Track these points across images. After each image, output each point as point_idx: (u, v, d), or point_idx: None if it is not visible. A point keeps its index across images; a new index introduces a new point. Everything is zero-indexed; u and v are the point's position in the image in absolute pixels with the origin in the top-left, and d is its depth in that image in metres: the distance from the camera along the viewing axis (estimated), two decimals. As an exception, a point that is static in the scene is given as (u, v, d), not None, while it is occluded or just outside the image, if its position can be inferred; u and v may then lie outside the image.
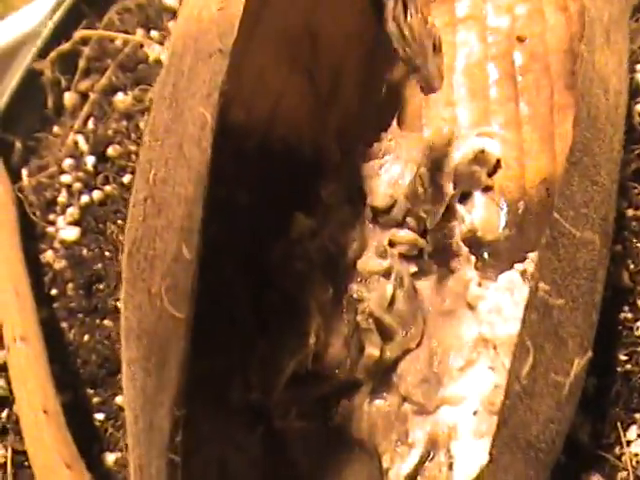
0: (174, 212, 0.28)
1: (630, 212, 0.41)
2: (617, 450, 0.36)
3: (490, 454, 0.26)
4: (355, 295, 0.38)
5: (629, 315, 0.38)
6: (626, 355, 0.37)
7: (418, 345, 0.38)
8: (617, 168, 0.32)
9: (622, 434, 0.36)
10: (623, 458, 0.36)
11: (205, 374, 0.37)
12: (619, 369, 0.37)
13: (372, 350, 0.37)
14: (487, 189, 0.40)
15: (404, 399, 0.37)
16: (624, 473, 0.35)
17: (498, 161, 0.40)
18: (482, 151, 0.40)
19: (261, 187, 0.40)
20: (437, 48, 0.33)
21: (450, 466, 0.35)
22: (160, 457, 0.27)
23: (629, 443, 0.36)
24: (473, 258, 0.39)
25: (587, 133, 0.29)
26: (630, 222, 0.41)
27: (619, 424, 0.36)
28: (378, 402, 0.38)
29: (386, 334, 0.38)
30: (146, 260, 0.29)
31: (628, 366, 0.37)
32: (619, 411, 0.37)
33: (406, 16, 0.30)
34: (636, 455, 0.35)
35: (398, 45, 0.31)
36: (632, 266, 0.39)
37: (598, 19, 0.30)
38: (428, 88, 0.33)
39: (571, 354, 0.29)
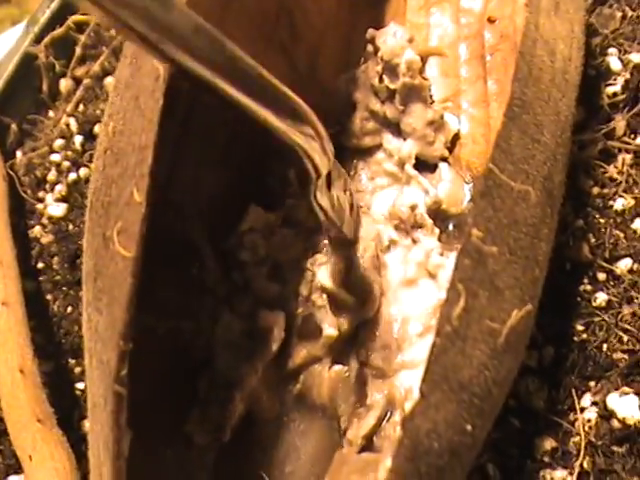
0: (128, 160, 0.29)
1: (595, 190, 0.42)
2: (571, 416, 0.36)
3: (420, 391, 0.27)
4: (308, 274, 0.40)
5: (588, 287, 0.39)
6: (583, 325, 0.38)
7: (376, 314, 0.39)
8: (566, 134, 0.33)
9: (576, 401, 0.37)
10: (576, 424, 0.36)
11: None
12: (576, 338, 0.38)
13: (330, 331, 0.38)
14: (445, 160, 0.41)
15: (364, 364, 0.38)
16: (577, 438, 0.36)
17: (457, 136, 0.41)
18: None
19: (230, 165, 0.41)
20: (354, 211, 0.37)
21: (404, 425, 0.36)
22: (107, 389, 0.28)
23: (583, 410, 0.36)
24: (437, 230, 0.40)
25: (527, 90, 0.30)
26: (595, 199, 0.41)
27: (574, 391, 0.37)
28: (338, 368, 0.38)
29: (341, 308, 0.39)
30: (102, 207, 0.30)
31: (584, 336, 0.38)
32: (574, 379, 0.37)
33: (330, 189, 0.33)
34: (589, 421, 0.36)
35: (321, 216, 0.34)
36: (593, 240, 0.40)
37: (545, -13, 0.31)
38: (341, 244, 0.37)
39: (508, 304, 0.29)
